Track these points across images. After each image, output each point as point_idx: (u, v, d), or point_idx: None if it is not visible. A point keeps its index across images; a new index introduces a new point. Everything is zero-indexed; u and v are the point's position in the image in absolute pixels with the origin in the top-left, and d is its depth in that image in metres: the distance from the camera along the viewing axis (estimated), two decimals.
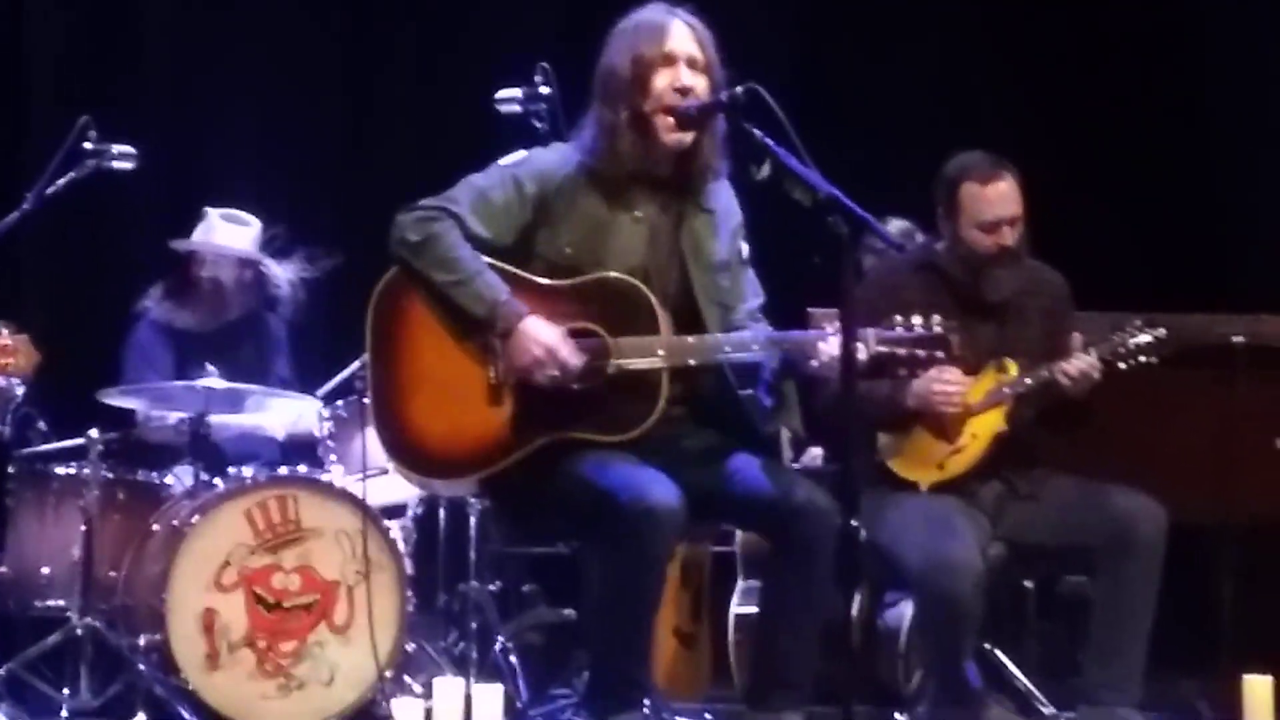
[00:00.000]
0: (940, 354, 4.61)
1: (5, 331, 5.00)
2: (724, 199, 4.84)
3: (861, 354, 4.44)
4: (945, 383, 5.25)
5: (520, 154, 4.91)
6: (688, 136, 4.66)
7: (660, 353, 4.58)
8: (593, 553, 4.55)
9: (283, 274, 6.70)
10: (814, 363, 4.57)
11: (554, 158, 4.80)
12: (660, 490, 4.40)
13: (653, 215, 4.73)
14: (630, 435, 4.56)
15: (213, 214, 6.70)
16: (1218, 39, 8.20)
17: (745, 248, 4.87)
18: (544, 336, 4.54)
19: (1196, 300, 6.19)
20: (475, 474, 4.66)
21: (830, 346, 4.52)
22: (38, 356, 5.03)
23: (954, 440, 5.32)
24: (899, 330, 4.58)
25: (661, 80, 4.63)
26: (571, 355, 4.53)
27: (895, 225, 6.43)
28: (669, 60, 4.64)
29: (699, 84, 4.64)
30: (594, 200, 4.70)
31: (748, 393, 4.69)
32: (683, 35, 4.67)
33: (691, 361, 4.61)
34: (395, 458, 4.68)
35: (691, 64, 4.65)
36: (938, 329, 4.59)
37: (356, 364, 6.19)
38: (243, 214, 6.72)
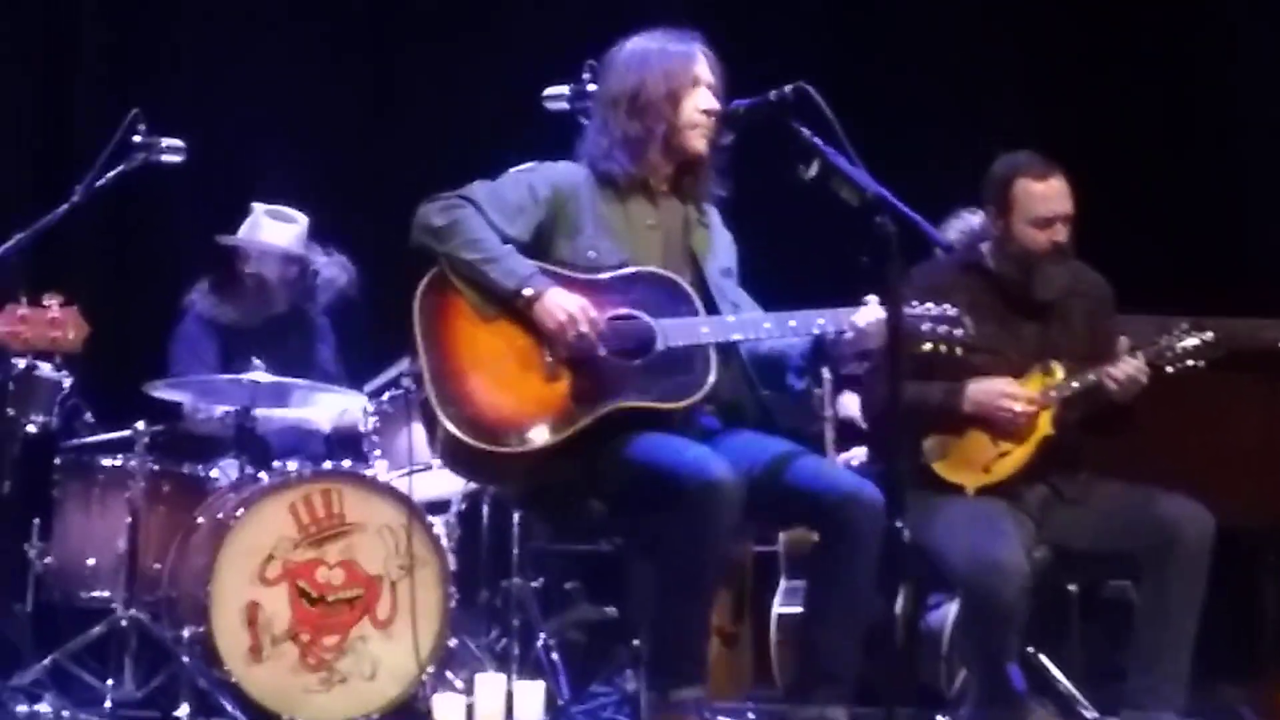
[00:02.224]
0: (958, 331, 4.74)
1: (55, 304, 4.98)
2: (716, 220, 5.03)
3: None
4: (1012, 398, 5.25)
5: (530, 164, 4.99)
6: (704, 145, 4.83)
7: (704, 329, 4.68)
8: (654, 532, 4.55)
9: (329, 269, 6.72)
10: (848, 334, 4.65)
11: (564, 168, 4.93)
12: (718, 465, 4.47)
13: (664, 222, 4.90)
14: (689, 401, 4.64)
15: (259, 210, 6.72)
16: (1257, 36, 8.16)
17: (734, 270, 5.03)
18: (570, 299, 4.65)
19: (1239, 304, 6.16)
20: (544, 436, 4.62)
21: (862, 316, 4.61)
22: (87, 329, 5.01)
23: (1003, 443, 5.31)
24: (917, 307, 4.74)
25: (689, 102, 4.83)
26: (598, 315, 4.64)
27: (982, 216, 6.38)
28: (696, 84, 4.85)
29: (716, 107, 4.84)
30: (610, 209, 4.85)
31: (791, 388, 4.73)
32: (705, 63, 4.88)
33: (735, 337, 4.72)
34: (461, 429, 4.59)
35: (710, 89, 4.85)
36: (950, 311, 4.73)
37: (403, 364, 6.20)
38: (289, 210, 6.73)
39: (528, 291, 4.65)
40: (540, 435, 4.63)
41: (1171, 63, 8.17)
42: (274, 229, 6.68)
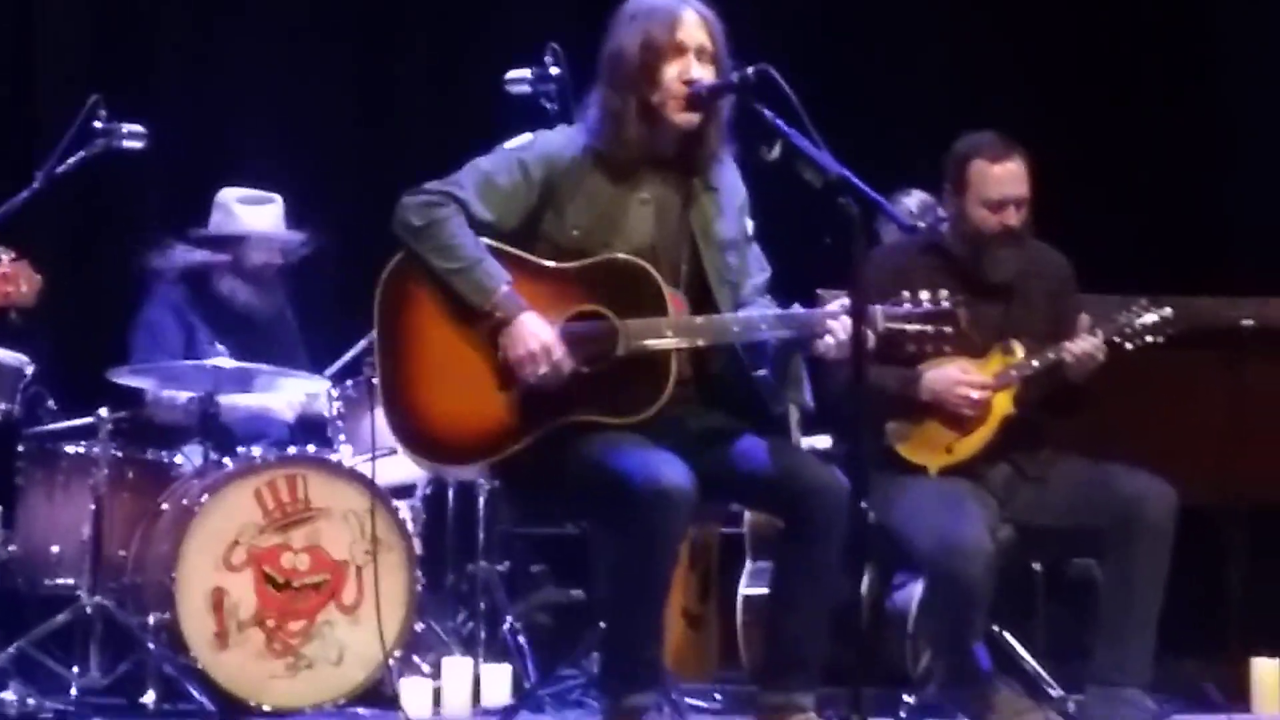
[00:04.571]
0: (948, 329, 4.61)
1: (5, 259, 4.93)
2: (729, 177, 4.83)
3: (869, 338, 4.44)
4: (967, 386, 5.26)
5: (526, 137, 4.90)
6: (696, 117, 4.65)
7: (668, 334, 4.57)
8: (605, 534, 4.56)
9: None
10: (820, 345, 4.57)
11: (560, 140, 4.79)
12: (672, 471, 4.40)
13: (660, 196, 4.72)
14: (640, 417, 4.55)
15: (231, 194, 6.64)
16: (1225, 20, 8.19)
17: (750, 224, 4.86)
18: (540, 333, 4.53)
19: (1204, 284, 6.20)
20: (485, 459, 4.68)
21: (838, 327, 4.52)
22: (39, 280, 4.96)
23: (964, 427, 5.33)
24: (906, 307, 4.60)
25: (671, 70, 4.62)
26: (565, 357, 4.53)
27: (917, 198, 6.42)
28: (679, 50, 4.63)
29: (707, 75, 4.63)
30: (600, 182, 4.69)
31: (760, 373, 4.69)
32: (694, 25, 4.65)
33: (700, 342, 4.62)
34: (404, 443, 4.67)
35: (700, 55, 4.64)
36: (945, 304, 4.61)
37: (364, 343, 6.19)
38: (267, 194, 6.68)
39: (498, 314, 4.54)
40: (484, 452, 4.63)
41: (1142, 43, 8.19)
42: (266, 216, 6.62)
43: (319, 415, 6.46)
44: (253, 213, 6.61)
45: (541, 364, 4.51)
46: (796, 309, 4.67)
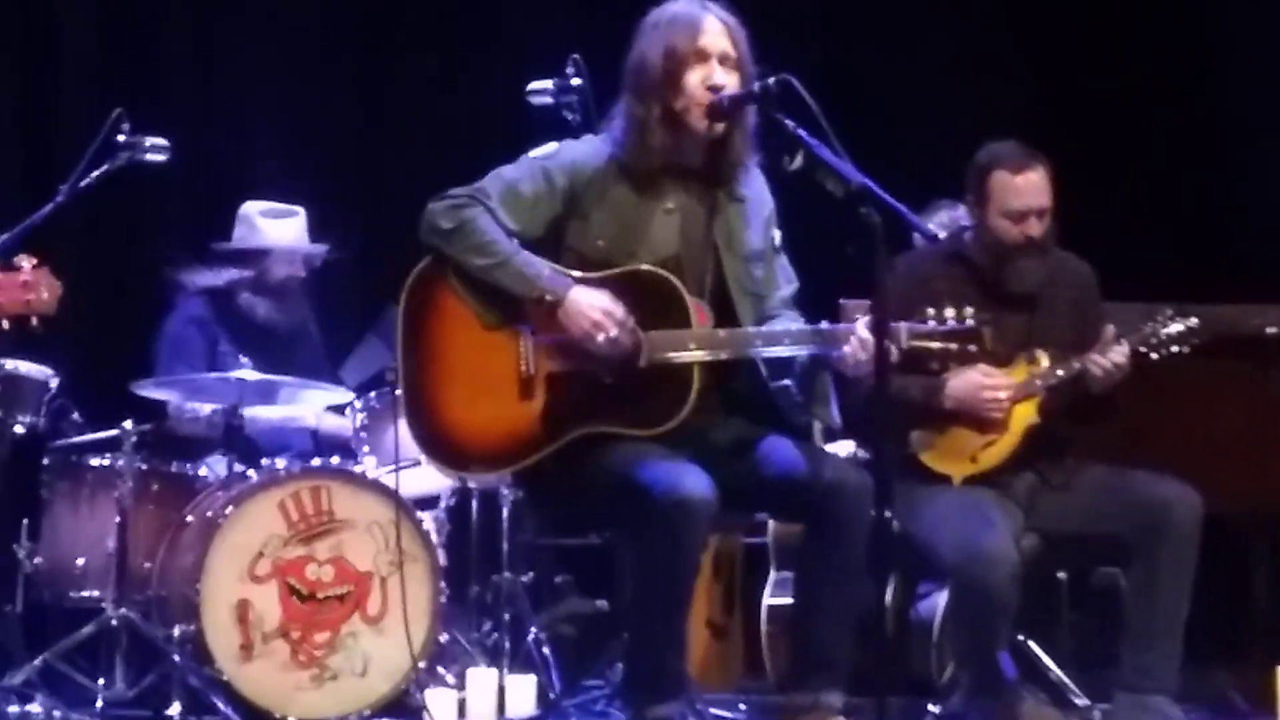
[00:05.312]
0: (973, 348, 4.61)
1: (27, 266, 4.94)
2: (756, 187, 4.84)
3: (892, 354, 4.43)
4: (992, 389, 5.25)
5: (551, 146, 4.89)
6: (719, 127, 4.66)
7: (692, 346, 4.58)
8: (626, 544, 4.56)
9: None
10: (837, 355, 4.56)
11: (585, 150, 4.80)
12: (693, 481, 4.41)
13: (685, 206, 4.74)
14: (662, 429, 4.56)
15: (254, 208, 6.65)
16: (1245, 25, 8.17)
17: (778, 235, 4.87)
18: (596, 300, 4.55)
19: (1229, 292, 6.17)
20: (507, 468, 4.70)
21: (858, 348, 4.50)
22: (59, 287, 4.97)
23: (989, 434, 5.32)
24: (931, 324, 4.59)
25: (694, 77, 4.63)
26: (628, 316, 4.55)
27: (963, 209, 6.39)
28: (702, 56, 4.65)
29: (731, 81, 4.64)
30: (625, 192, 4.71)
31: (781, 384, 4.69)
32: (716, 31, 4.67)
33: (723, 355, 4.62)
34: (427, 451, 4.70)
35: (724, 61, 4.66)
36: (970, 321, 4.60)
37: (373, 344, 6.20)
38: (290, 207, 6.69)
39: (548, 297, 4.56)
40: (506, 461, 4.66)
41: (1164, 50, 8.18)
42: (289, 228, 6.63)
43: (337, 434, 6.47)
44: (276, 226, 6.62)
45: (610, 327, 4.53)
46: (822, 325, 4.67)
